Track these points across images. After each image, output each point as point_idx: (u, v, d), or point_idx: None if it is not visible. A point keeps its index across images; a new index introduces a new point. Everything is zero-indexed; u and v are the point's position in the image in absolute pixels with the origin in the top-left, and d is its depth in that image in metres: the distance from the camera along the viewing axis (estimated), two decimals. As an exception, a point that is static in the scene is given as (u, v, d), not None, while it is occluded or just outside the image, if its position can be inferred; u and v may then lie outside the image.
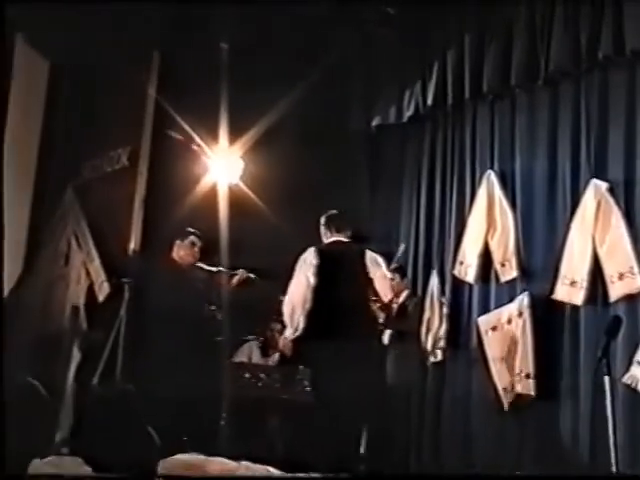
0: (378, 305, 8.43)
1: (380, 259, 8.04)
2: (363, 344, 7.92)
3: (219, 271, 8.84)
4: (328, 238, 8.20)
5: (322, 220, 8.29)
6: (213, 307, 8.75)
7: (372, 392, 8.08)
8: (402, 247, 9.04)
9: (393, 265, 8.87)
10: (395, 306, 8.68)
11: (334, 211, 8.33)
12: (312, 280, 7.93)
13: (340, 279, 7.91)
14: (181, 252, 8.87)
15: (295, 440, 8.37)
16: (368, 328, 8.15)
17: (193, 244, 8.86)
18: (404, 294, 8.93)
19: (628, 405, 7.32)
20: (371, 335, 8.24)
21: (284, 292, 8.32)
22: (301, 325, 7.91)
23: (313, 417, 8.10)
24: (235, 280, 8.83)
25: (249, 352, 9.59)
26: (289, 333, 8.00)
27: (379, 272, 7.98)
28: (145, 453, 3.48)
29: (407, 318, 8.96)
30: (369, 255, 7.95)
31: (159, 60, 10.70)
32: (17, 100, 10.47)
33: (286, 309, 8.01)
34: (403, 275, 8.98)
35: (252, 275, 8.94)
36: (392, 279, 8.61)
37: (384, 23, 9.34)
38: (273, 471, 5.94)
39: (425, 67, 9.50)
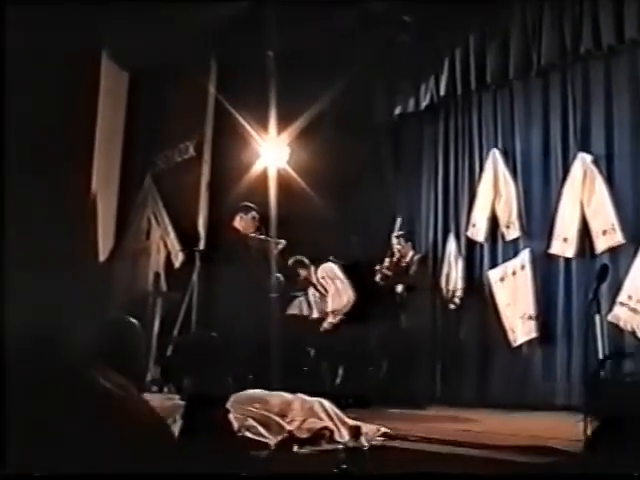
0: (387, 266, 8.82)
1: None
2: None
3: (268, 241, 8.91)
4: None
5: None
6: (279, 275, 8.92)
7: (391, 335, 8.44)
8: (399, 219, 9.29)
9: (399, 232, 9.17)
10: (404, 265, 8.95)
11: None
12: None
13: None
14: (243, 223, 8.95)
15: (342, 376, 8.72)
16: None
17: (254, 218, 8.94)
18: (409, 254, 9.19)
19: (612, 339, 7.41)
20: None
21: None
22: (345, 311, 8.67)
23: (354, 358, 8.44)
24: (279, 249, 8.96)
25: (300, 306, 9.72)
26: (336, 320, 8.46)
27: None
28: (220, 387, 3.66)
29: (414, 274, 9.12)
30: None
31: (216, 65, 10.85)
32: (105, 105, 10.74)
33: (339, 304, 8.68)
34: (407, 239, 9.24)
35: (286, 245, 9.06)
36: (398, 243, 8.95)
37: (402, 29, 9.40)
38: (324, 402, 6.10)
39: (437, 64, 9.54)
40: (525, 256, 8.80)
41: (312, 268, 9.18)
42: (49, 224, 9.31)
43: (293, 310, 9.67)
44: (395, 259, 9.10)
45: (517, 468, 4.49)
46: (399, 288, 9.03)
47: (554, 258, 8.59)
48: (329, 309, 8.98)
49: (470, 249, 9.43)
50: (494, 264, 9.16)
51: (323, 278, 9.09)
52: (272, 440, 5.43)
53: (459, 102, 9.76)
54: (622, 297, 7.82)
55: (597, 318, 6.28)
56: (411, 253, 9.26)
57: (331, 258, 9.18)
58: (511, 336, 8.77)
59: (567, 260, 8.46)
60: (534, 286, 8.66)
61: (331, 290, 8.99)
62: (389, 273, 9.09)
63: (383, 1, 9.25)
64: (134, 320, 3.14)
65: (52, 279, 8.24)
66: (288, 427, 5.64)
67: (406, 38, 9.46)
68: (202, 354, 3.03)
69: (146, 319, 8.95)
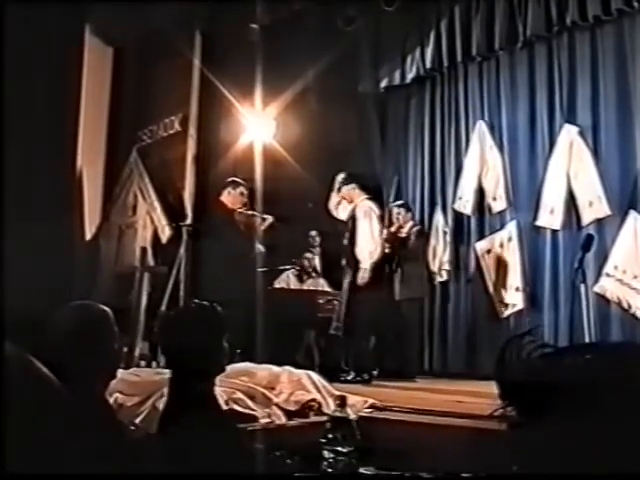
0: (384, 237, 8.56)
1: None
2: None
3: (254, 215, 8.81)
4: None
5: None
6: (261, 247, 8.73)
7: (385, 307, 8.33)
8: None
9: (399, 202, 9.06)
10: (402, 235, 8.75)
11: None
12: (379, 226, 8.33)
13: None
14: (230, 198, 8.75)
15: (328, 348, 8.66)
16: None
17: (242, 193, 8.76)
18: (408, 225, 8.91)
19: (598, 309, 7.57)
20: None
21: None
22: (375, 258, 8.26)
23: (344, 330, 8.35)
24: (265, 224, 8.86)
25: (287, 280, 9.73)
26: (368, 265, 8.20)
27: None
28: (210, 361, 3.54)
29: (412, 245, 8.89)
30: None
31: (201, 38, 10.78)
32: (89, 80, 10.67)
33: (367, 247, 8.23)
34: (407, 210, 9.03)
35: (273, 220, 8.97)
36: (398, 213, 8.79)
37: (388, 1, 9.23)
38: (312, 374, 6.08)
39: (423, 36, 9.45)
40: (512, 228, 8.79)
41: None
42: (35, 201, 9.27)
43: (280, 284, 9.64)
44: (393, 229, 8.86)
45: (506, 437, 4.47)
46: (396, 259, 8.74)
47: (541, 230, 8.59)
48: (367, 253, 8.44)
49: (457, 222, 9.41)
50: (481, 236, 9.15)
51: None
52: (260, 413, 5.42)
53: (445, 74, 9.68)
54: (608, 268, 7.84)
55: (582, 288, 6.34)
56: (410, 223, 8.93)
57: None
58: (498, 308, 8.78)
59: (554, 232, 8.45)
60: (521, 258, 8.66)
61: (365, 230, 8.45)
62: (386, 244, 8.91)
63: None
64: (105, 307, 3.04)
65: (37, 256, 8.19)
66: (276, 400, 5.63)
67: (391, 10, 9.33)
68: (203, 325, 2.94)
69: (133, 294, 8.90)
